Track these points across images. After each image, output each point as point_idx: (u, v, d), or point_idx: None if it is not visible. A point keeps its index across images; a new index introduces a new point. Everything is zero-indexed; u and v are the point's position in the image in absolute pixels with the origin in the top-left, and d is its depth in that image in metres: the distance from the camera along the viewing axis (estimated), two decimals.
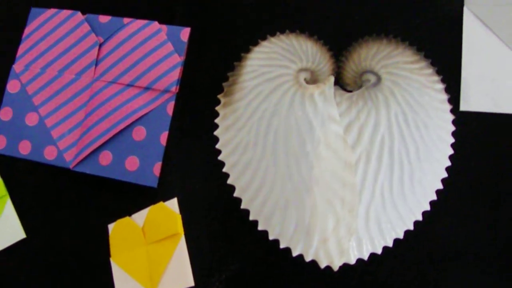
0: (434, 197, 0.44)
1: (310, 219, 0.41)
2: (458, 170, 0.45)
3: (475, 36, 0.47)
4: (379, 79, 0.43)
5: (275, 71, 0.44)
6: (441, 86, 0.45)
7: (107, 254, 0.47)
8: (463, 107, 0.46)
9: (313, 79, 0.44)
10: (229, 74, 0.46)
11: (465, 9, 0.48)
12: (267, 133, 0.43)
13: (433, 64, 0.46)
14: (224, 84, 0.46)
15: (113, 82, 0.49)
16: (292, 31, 0.46)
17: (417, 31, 0.48)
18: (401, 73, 0.44)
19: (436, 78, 0.45)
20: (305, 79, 0.44)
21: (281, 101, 0.43)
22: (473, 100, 0.46)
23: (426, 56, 0.46)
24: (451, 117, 0.45)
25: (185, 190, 0.47)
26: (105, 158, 0.47)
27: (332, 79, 0.42)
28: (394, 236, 0.43)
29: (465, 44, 0.47)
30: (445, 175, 0.44)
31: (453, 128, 0.45)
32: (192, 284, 0.44)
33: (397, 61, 0.44)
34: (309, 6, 0.48)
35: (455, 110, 0.46)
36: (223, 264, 0.45)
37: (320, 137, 0.41)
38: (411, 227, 0.44)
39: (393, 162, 0.42)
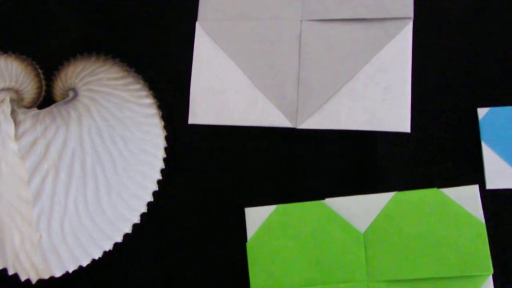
0: (144, 210, 0.45)
1: (0, 235, 0.43)
2: (174, 183, 0.46)
3: (204, 51, 0.48)
4: (75, 96, 0.45)
5: None
6: (150, 101, 0.46)
7: None
8: (191, 120, 0.47)
9: (20, 98, 0.45)
10: None
11: (197, 24, 0.49)
12: None
13: (150, 79, 0.47)
14: None
15: None
16: (5, 51, 0.47)
17: (149, 48, 0.49)
18: (101, 89, 0.45)
19: (145, 93, 0.46)
20: (11, 98, 0.45)
21: None
22: (200, 113, 0.47)
23: (141, 71, 0.47)
24: (161, 132, 0.46)
25: None
26: None
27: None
28: (101, 249, 0.44)
29: (195, 59, 0.48)
30: (155, 188, 0.45)
31: (163, 142, 0.46)
32: None
33: (100, 78, 0.45)
34: (33, 26, 0.50)
35: (183, 125, 0.47)
36: None
37: (1, 155, 0.42)
38: (119, 240, 0.45)
39: (85, 176, 0.43)
